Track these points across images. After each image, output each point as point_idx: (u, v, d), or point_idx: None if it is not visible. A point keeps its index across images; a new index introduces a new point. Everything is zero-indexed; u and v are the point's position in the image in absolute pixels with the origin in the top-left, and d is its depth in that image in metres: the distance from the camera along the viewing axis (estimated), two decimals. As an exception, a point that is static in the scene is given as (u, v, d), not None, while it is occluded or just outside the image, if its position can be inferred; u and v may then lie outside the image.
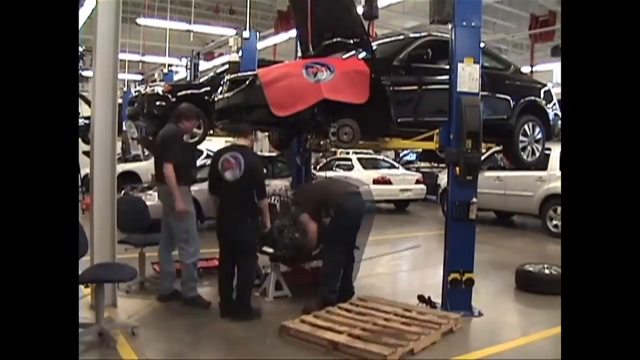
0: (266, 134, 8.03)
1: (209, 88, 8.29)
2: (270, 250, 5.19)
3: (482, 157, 5.23)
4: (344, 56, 5.39)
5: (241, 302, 4.59)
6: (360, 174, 12.88)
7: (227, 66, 8.63)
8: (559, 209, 8.72)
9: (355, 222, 4.93)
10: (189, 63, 12.33)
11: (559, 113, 6.59)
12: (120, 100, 9.66)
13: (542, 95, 6.52)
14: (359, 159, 13.34)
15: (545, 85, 6.82)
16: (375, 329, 4.02)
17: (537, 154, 6.39)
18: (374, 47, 5.30)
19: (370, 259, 6.27)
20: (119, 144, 8.71)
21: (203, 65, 14.26)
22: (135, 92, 10.34)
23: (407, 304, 4.73)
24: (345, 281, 4.97)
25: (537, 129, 6.31)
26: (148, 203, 8.50)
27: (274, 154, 10.89)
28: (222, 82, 5.88)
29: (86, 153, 4.88)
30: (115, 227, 4.76)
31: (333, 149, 11.00)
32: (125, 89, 17.01)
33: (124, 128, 10.86)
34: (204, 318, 4.62)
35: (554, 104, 6.66)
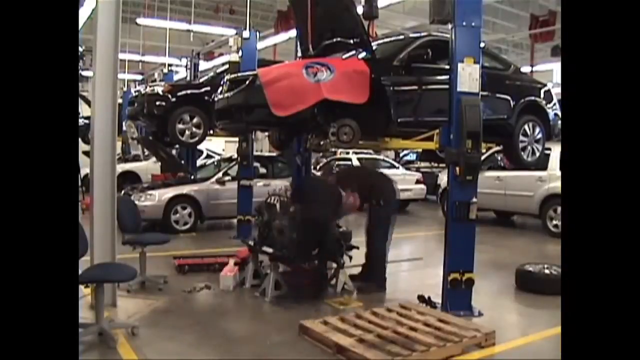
0: (266, 134, 8.04)
1: (209, 88, 8.30)
2: (270, 250, 5.19)
3: (482, 157, 5.22)
4: (344, 56, 5.39)
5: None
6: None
7: (227, 66, 8.63)
8: (559, 209, 8.71)
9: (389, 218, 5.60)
10: (189, 63, 12.30)
11: (559, 113, 6.59)
12: (120, 100, 9.68)
13: (542, 95, 6.52)
14: (359, 159, 13.35)
15: (545, 85, 6.82)
16: (390, 336, 3.87)
17: (537, 154, 6.39)
18: (374, 47, 5.30)
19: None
20: (119, 144, 8.73)
21: (203, 65, 14.24)
22: (135, 92, 10.34)
23: (444, 314, 4.45)
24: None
25: (537, 129, 6.32)
26: (147, 203, 8.58)
27: (274, 154, 10.90)
28: (222, 82, 5.88)
29: (86, 153, 4.88)
30: (115, 227, 4.76)
31: (333, 149, 11.01)
32: (125, 89, 17.00)
33: (124, 128, 10.86)
34: (204, 318, 4.63)
35: (554, 104, 6.66)
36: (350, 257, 5.51)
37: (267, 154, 12.18)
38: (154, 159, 11.87)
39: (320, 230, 5.13)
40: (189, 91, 8.64)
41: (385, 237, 5.58)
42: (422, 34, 5.98)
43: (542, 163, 7.85)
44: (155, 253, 5.93)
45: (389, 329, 4.03)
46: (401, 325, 4.11)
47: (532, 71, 16.32)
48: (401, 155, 17.92)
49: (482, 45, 4.99)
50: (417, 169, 14.84)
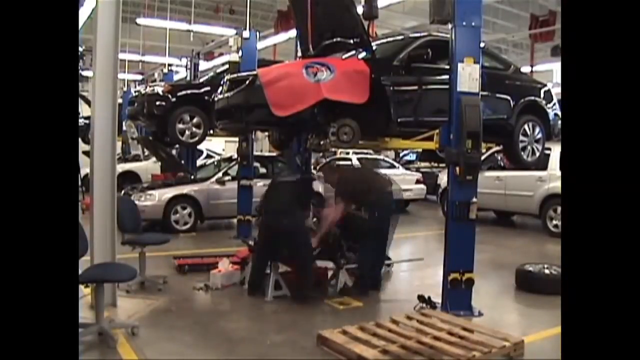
0: (266, 134, 8.04)
1: (209, 88, 8.31)
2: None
3: (482, 157, 5.22)
4: (344, 56, 5.39)
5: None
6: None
7: (227, 66, 8.64)
8: (559, 209, 8.71)
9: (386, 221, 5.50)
10: (189, 63, 12.31)
11: (559, 113, 6.59)
12: (120, 100, 9.68)
13: (542, 95, 6.52)
14: (359, 159, 13.34)
15: (545, 85, 6.82)
16: (414, 347, 3.72)
17: (537, 154, 6.39)
18: (374, 47, 5.30)
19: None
20: (119, 144, 8.74)
21: (203, 65, 14.23)
22: (135, 92, 10.35)
23: (469, 322, 4.36)
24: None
25: (537, 129, 6.31)
26: (147, 203, 8.58)
27: (274, 154, 10.90)
28: (222, 82, 5.89)
29: (86, 153, 4.89)
30: (115, 227, 4.76)
31: (333, 149, 11.01)
32: (125, 89, 16.99)
33: (124, 128, 10.86)
34: (204, 318, 4.63)
35: (554, 104, 6.66)
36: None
37: (267, 154, 12.18)
38: (154, 159, 11.87)
39: (283, 236, 5.10)
40: (189, 91, 8.64)
41: (376, 248, 5.52)
42: (422, 34, 5.98)
43: (542, 163, 7.85)
44: (155, 253, 5.94)
45: (412, 338, 3.87)
46: (424, 335, 3.96)
47: (532, 71, 16.30)
48: (401, 155, 17.92)
49: (482, 45, 4.99)
50: (417, 169, 14.84)
